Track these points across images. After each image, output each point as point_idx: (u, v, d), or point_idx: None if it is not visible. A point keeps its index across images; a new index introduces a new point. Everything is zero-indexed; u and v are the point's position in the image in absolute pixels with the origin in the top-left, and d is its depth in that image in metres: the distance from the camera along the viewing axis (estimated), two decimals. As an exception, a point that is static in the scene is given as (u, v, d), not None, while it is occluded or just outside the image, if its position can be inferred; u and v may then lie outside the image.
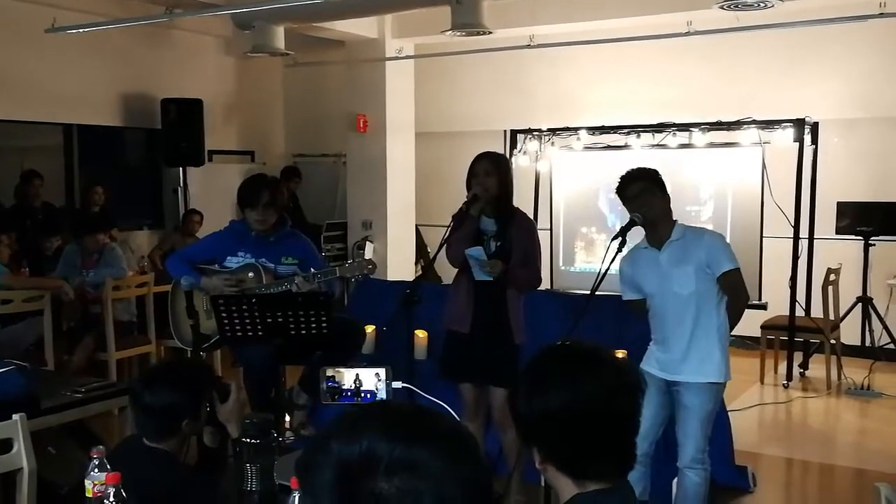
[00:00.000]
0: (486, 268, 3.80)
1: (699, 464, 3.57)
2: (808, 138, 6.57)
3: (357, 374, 2.45)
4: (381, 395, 2.46)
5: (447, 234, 3.88)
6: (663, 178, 3.62)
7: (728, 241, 6.50)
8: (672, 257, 3.55)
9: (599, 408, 1.53)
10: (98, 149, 8.60)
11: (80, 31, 6.52)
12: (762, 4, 5.01)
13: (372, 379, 2.45)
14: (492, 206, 3.88)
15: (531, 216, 7.48)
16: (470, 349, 3.92)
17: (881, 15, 5.69)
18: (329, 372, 2.48)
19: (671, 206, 3.62)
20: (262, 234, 4.33)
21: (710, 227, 6.60)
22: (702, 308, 3.53)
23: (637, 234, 3.69)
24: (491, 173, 3.87)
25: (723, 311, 3.57)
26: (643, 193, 3.54)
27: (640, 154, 6.79)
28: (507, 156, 7.93)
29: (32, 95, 7.39)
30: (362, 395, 2.47)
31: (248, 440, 2.26)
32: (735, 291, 3.57)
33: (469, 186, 3.91)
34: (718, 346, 3.55)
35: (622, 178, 3.63)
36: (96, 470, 2.14)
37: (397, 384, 2.50)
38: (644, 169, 3.65)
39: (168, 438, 2.43)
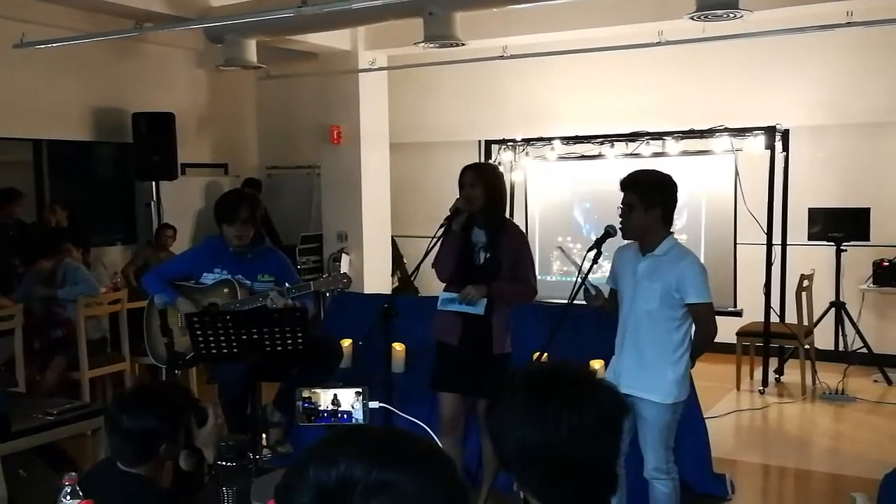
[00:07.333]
0: (463, 300, 3.77)
1: (664, 473, 3.56)
2: (779, 145, 6.65)
3: (335, 395, 2.41)
4: (359, 415, 2.43)
5: (432, 247, 3.83)
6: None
7: (703, 248, 6.68)
8: (647, 270, 3.53)
9: (582, 446, 1.42)
10: (69, 164, 8.49)
11: (49, 45, 6.44)
12: (732, 15, 5.05)
13: (349, 399, 2.42)
14: (482, 217, 3.85)
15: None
16: (458, 360, 3.91)
17: (849, 24, 5.76)
18: (305, 393, 2.45)
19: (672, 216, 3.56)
20: (240, 250, 4.29)
21: (684, 235, 6.65)
22: (659, 327, 3.50)
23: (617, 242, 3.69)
24: (476, 185, 3.83)
25: (684, 334, 3.53)
26: (626, 207, 3.53)
27: (614, 163, 6.82)
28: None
29: (1, 111, 7.29)
30: (339, 415, 2.43)
31: (224, 463, 2.23)
32: (700, 324, 3.54)
33: None
34: (672, 368, 3.51)
35: (625, 177, 3.56)
36: (68, 497, 2.09)
37: (374, 404, 2.46)
38: (641, 178, 3.57)
39: (144, 463, 2.38)
